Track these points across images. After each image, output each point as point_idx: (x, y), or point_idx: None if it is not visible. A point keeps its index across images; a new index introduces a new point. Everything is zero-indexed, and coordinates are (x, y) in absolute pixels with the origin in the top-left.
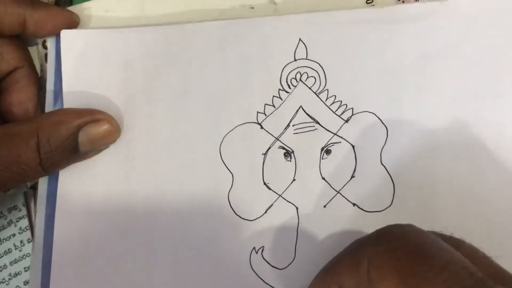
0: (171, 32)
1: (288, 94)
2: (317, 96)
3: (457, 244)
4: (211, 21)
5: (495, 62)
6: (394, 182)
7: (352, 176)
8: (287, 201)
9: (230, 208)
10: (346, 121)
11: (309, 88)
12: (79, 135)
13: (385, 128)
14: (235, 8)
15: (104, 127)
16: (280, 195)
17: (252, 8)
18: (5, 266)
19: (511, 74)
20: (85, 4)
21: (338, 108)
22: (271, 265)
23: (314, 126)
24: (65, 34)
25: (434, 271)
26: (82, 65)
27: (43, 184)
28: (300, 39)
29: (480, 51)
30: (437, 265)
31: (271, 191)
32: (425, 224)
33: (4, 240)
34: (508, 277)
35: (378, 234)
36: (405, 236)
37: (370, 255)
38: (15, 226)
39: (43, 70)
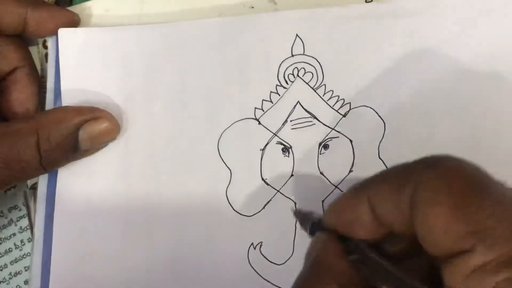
0: (169, 29)
1: (285, 89)
2: (315, 91)
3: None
4: (208, 19)
5: (492, 56)
6: None
7: (350, 171)
8: (285, 196)
9: (228, 204)
10: (344, 115)
11: (307, 84)
12: (79, 133)
13: (383, 123)
14: (235, 8)
15: (104, 125)
16: (278, 191)
17: (252, 7)
18: (5, 266)
19: (507, 68)
20: (85, 4)
21: (336, 103)
22: (269, 261)
23: (311, 121)
24: (63, 32)
25: (490, 201)
26: (81, 63)
27: (43, 183)
28: (297, 35)
29: (476, 45)
30: (494, 196)
31: (269, 186)
32: None
33: (4, 240)
34: None
35: (430, 160)
36: (461, 168)
37: (420, 179)
38: (15, 225)
39: (44, 69)
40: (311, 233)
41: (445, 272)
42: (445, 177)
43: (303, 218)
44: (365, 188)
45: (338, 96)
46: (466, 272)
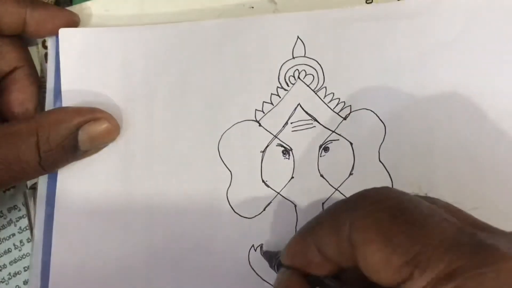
0: (170, 30)
1: (286, 91)
2: (315, 93)
3: (433, 201)
4: (209, 20)
5: (493, 58)
6: (392, 179)
7: (350, 173)
8: (286, 198)
9: (229, 206)
10: (344, 118)
11: (307, 86)
12: (78, 134)
13: (383, 125)
14: (235, 8)
15: (103, 126)
16: (278, 193)
17: (252, 7)
18: (4, 266)
19: (508, 70)
20: (85, 4)
21: (336, 105)
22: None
23: (312, 123)
24: (63, 32)
25: (416, 227)
26: (81, 64)
27: (42, 184)
28: (298, 37)
29: (477, 47)
30: (417, 221)
31: (269, 188)
32: None
33: (3, 240)
34: (483, 224)
35: (357, 198)
36: (383, 198)
37: (352, 219)
38: (15, 225)
39: (43, 69)
40: (277, 269)
41: None
42: (372, 214)
43: (270, 257)
44: (310, 232)
45: (339, 99)
46: None
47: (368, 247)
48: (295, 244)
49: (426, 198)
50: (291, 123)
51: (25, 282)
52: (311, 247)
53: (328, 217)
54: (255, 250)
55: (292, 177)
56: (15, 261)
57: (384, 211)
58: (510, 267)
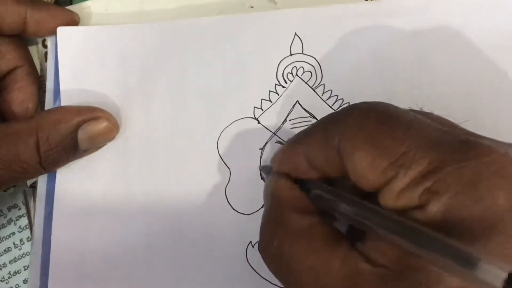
0: (167, 28)
1: (284, 89)
2: (314, 90)
3: (426, 115)
4: (207, 17)
5: (491, 56)
6: None
7: None
8: None
9: (227, 202)
10: None
11: (306, 83)
12: (78, 133)
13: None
14: (235, 7)
15: (103, 125)
16: None
17: (252, 7)
18: (4, 265)
19: (507, 68)
20: (85, 3)
21: (335, 102)
22: None
23: (311, 120)
24: (61, 31)
25: (401, 129)
26: (79, 62)
27: (42, 182)
28: (295, 34)
29: (475, 45)
30: (403, 124)
31: None
32: None
33: (3, 239)
34: (471, 132)
35: (346, 110)
36: (371, 108)
37: (340, 129)
38: (15, 224)
39: (43, 69)
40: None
41: (380, 200)
42: (359, 123)
43: (267, 171)
44: (299, 141)
45: (337, 96)
46: (394, 195)
47: (355, 154)
48: (283, 152)
49: (420, 112)
50: (290, 120)
51: (25, 281)
52: (299, 156)
53: (318, 128)
54: (253, 247)
55: None
56: (15, 260)
57: (371, 119)
58: (490, 160)
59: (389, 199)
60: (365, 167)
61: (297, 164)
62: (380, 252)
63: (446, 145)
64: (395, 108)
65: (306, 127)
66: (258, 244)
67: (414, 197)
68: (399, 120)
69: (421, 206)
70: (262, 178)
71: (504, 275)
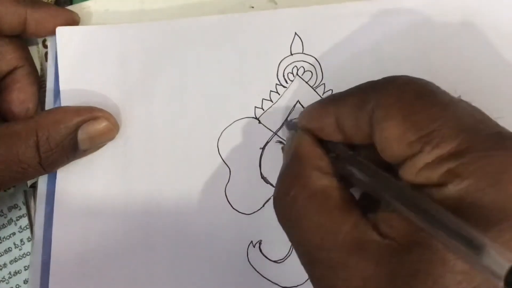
0: (167, 27)
1: (285, 88)
2: (314, 90)
3: (464, 102)
4: (207, 16)
5: (492, 55)
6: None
7: None
8: None
9: (228, 202)
10: None
11: (306, 83)
12: (78, 133)
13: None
14: (235, 7)
15: (103, 125)
16: None
17: (252, 7)
18: (5, 265)
19: (507, 67)
20: (85, 3)
21: None
22: (268, 259)
23: None
24: (61, 31)
25: (437, 107)
26: (79, 62)
27: (42, 182)
28: (295, 33)
29: (476, 44)
30: (440, 103)
31: (268, 185)
32: None
33: (4, 239)
34: (506, 129)
35: (386, 80)
36: (412, 81)
37: (377, 97)
38: (15, 224)
39: (43, 69)
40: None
41: (400, 173)
42: (397, 94)
43: (294, 125)
44: (332, 102)
45: None
46: (416, 170)
47: (387, 122)
48: (314, 109)
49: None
50: (291, 120)
51: (26, 281)
52: (329, 116)
53: (354, 92)
54: (254, 247)
55: None
56: (15, 260)
57: (410, 92)
58: None
59: (410, 173)
60: (393, 137)
61: (325, 123)
62: (390, 224)
63: (478, 131)
64: (436, 86)
65: None
66: (274, 195)
67: (434, 175)
68: (437, 98)
69: (439, 185)
70: (262, 177)
71: (508, 265)
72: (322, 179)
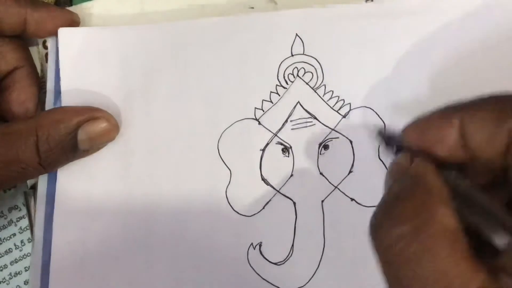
0: (168, 29)
1: (285, 89)
2: (315, 91)
3: None
4: (207, 18)
5: (493, 57)
6: None
7: (350, 171)
8: (285, 196)
9: (228, 204)
10: (344, 116)
11: (307, 84)
12: (78, 133)
13: (383, 123)
14: (235, 8)
15: (102, 125)
16: (278, 191)
17: (252, 8)
18: (5, 266)
19: (507, 67)
20: (85, 4)
21: (336, 103)
22: (268, 261)
23: (312, 121)
24: (62, 32)
25: None
26: (80, 63)
27: (42, 183)
28: (296, 34)
29: (477, 45)
30: None
31: (268, 186)
32: None
33: (4, 240)
34: None
35: None
36: None
37: None
38: (15, 225)
39: (44, 70)
40: (396, 152)
41: None
42: None
43: (388, 138)
44: (458, 111)
45: (338, 97)
46: None
47: None
48: (432, 117)
49: None
50: (291, 121)
51: (26, 282)
52: (453, 126)
53: (489, 101)
54: (254, 249)
55: (292, 175)
56: (15, 261)
57: None
58: None
59: None
60: None
61: (447, 137)
62: None
63: None
64: None
65: (307, 128)
66: (375, 220)
67: None
68: None
69: None
70: (262, 179)
71: None
72: (451, 218)
